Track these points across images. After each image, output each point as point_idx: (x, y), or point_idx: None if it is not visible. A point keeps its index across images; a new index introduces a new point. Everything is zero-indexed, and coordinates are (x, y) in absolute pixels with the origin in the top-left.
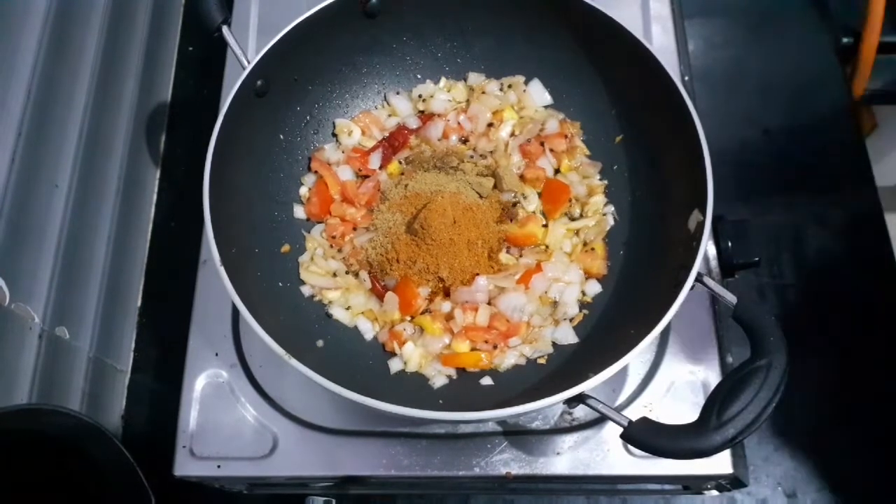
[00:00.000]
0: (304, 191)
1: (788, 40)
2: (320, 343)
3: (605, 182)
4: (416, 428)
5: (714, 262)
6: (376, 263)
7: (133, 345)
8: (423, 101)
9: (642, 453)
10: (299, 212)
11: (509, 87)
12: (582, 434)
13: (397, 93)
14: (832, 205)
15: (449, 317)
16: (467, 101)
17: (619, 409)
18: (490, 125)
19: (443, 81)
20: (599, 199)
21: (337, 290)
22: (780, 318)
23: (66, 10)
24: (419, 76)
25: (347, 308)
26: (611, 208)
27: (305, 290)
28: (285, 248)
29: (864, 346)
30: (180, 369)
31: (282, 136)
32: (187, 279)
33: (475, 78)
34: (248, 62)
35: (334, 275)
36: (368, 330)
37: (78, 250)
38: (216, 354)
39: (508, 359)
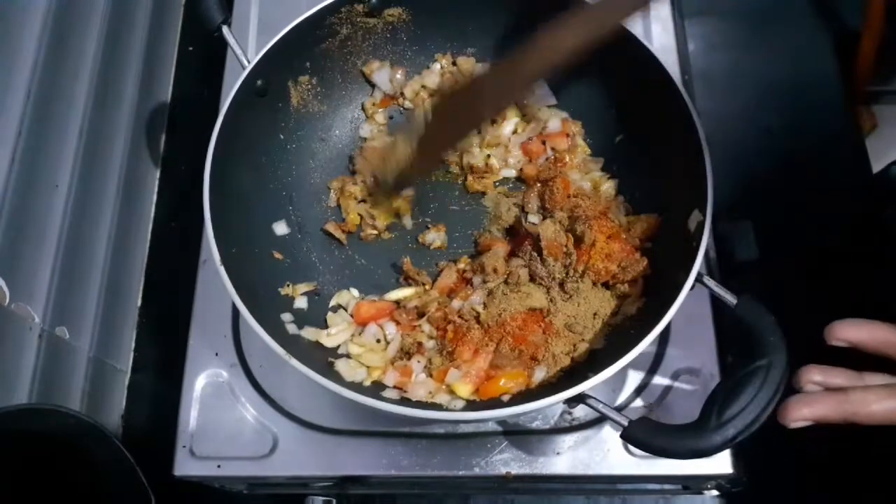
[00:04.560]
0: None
1: (788, 40)
2: None
3: (608, 175)
4: (416, 428)
5: (714, 262)
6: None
7: (133, 345)
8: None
9: (642, 453)
10: None
11: None
12: (582, 434)
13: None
14: (832, 205)
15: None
16: None
17: (619, 409)
18: (493, 122)
19: None
20: (610, 185)
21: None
22: (779, 318)
23: (66, 10)
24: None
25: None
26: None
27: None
28: None
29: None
30: (180, 369)
31: (282, 136)
32: (187, 279)
33: None
34: (248, 62)
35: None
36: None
37: (78, 250)
38: (216, 354)
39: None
